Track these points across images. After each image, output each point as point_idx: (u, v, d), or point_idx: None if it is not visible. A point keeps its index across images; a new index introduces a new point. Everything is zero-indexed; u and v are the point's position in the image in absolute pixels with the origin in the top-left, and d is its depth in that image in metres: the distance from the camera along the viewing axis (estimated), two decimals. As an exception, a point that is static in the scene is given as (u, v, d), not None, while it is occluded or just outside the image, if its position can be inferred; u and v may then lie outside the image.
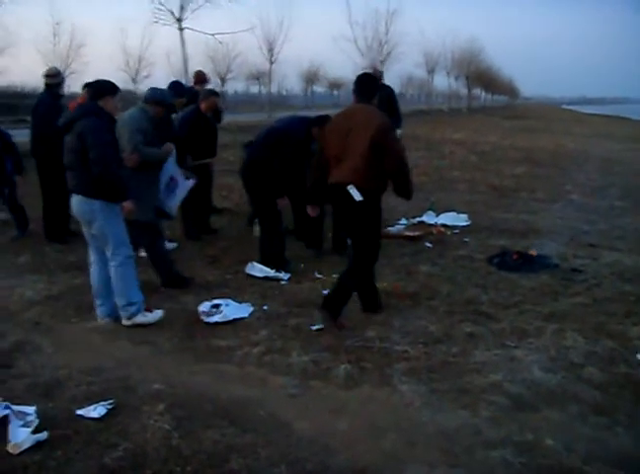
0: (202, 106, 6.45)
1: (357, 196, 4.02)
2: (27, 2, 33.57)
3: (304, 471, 2.63)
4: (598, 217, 8.14)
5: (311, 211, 4.64)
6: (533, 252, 5.93)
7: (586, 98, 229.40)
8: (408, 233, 6.81)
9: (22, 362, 3.62)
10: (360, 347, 3.84)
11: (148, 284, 4.73)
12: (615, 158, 16.46)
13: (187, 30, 19.74)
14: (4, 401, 2.98)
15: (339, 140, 4.08)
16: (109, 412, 3.02)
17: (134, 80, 36.88)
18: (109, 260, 4.17)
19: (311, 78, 65.49)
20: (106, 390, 3.24)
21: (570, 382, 3.41)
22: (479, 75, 58.03)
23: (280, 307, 4.54)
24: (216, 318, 4.24)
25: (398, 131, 6.65)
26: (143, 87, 37.11)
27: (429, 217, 7.54)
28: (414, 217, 7.58)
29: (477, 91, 72.24)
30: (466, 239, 6.72)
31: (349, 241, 6.21)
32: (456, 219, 7.51)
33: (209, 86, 7.23)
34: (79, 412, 3.01)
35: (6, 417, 2.87)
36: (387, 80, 9.56)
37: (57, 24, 29.61)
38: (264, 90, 49.67)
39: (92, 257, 4.30)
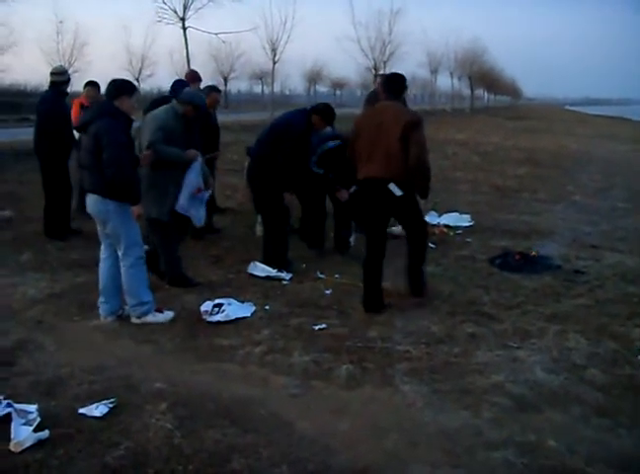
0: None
1: (397, 191, 4.19)
2: (30, 0, 33.63)
3: (306, 471, 2.62)
4: (600, 218, 8.13)
5: (342, 195, 5.57)
6: (535, 253, 5.92)
7: (589, 98, 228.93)
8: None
9: (24, 361, 3.61)
10: (361, 347, 3.84)
11: (150, 284, 4.72)
12: (618, 159, 16.44)
13: (190, 29, 19.84)
14: (6, 399, 2.99)
15: (369, 135, 4.24)
16: (111, 410, 3.02)
17: (137, 79, 36.86)
18: (120, 259, 4.18)
19: (314, 78, 65.54)
20: (108, 389, 3.24)
21: (572, 383, 3.40)
22: (482, 75, 57.88)
23: (282, 307, 4.55)
24: (218, 317, 4.24)
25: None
26: (146, 86, 37.31)
27: (431, 217, 7.51)
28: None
29: (480, 91, 72.20)
30: (469, 239, 6.72)
31: (351, 241, 6.26)
32: (459, 220, 7.51)
33: (204, 84, 7.18)
34: (81, 410, 3.01)
35: (8, 415, 2.87)
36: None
37: (61, 22, 29.78)
38: (267, 89, 49.87)
39: (104, 253, 4.30)
